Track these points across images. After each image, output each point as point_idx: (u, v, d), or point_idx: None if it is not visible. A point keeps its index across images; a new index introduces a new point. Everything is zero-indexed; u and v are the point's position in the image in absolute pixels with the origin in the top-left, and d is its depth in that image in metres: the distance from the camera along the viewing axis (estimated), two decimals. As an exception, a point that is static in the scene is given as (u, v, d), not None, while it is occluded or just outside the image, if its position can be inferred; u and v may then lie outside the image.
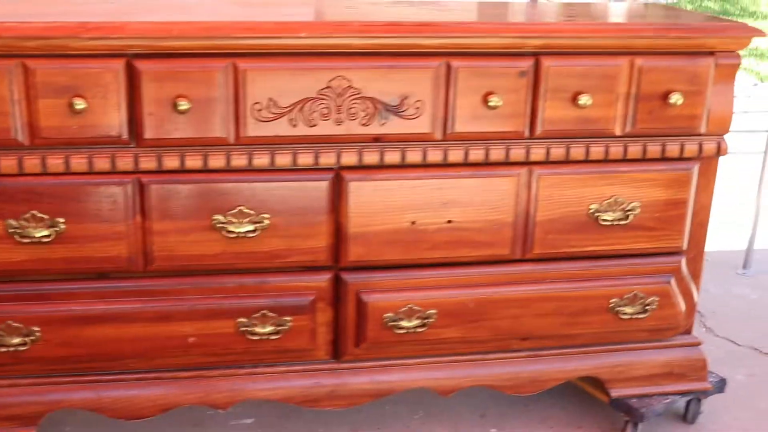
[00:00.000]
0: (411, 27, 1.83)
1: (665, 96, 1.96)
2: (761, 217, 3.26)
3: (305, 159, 1.86)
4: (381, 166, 1.91)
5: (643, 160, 2.02)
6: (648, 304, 2.11)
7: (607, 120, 1.96)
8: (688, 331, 2.22)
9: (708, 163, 2.07)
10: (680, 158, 2.04)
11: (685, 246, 2.12)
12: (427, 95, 1.86)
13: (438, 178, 1.94)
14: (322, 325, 2.00)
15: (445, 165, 1.93)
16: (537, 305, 2.07)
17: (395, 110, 1.86)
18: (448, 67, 1.86)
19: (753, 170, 3.68)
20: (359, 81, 1.83)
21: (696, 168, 2.06)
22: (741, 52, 2.01)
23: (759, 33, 1.98)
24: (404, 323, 2.00)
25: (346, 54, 1.82)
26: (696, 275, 2.17)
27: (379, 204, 1.93)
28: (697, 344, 2.23)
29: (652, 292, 2.11)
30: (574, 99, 1.92)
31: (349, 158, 1.88)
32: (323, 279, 1.97)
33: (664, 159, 2.03)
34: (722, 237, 3.53)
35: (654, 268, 2.11)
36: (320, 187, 1.90)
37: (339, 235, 1.94)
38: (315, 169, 1.89)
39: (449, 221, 1.97)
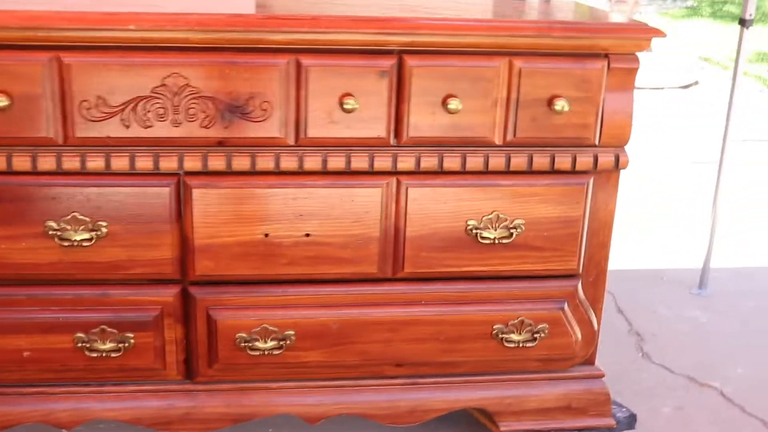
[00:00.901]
0: (255, 20, 1.66)
1: (550, 102, 1.76)
2: (717, 232, 3.02)
3: (144, 163, 1.71)
4: (228, 173, 1.74)
5: (529, 172, 1.82)
6: (537, 332, 1.91)
7: (483, 127, 1.77)
8: (589, 362, 2.02)
9: (606, 177, 1.86)
10: (572, 172, 1.84)
11: (580, 269, 1.92)
12: (275, 96, 1.69)
13: (292, 187, 1.76)
14: (172, 343, 1.84)
15: (300, 173, 1.76)
16: (410, 329, 1.88)
17: (240, 112, 1.69)
18: (298, 65, 1.69)
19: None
20: (197, 79, 1.67)
21: (590, 182, 1.85)
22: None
23: (658, 33, 1.76)
24: (259, 344, 1.84)
25: (181, 49, 1.66)
26: (596, 301, 1.96)
27: (228, 214, 1.76)
28: (600, 376, 2.02)
29: (542, 319, 1.91)
30: (444, 103, 1.73)
31: (193, 163, 1.72)
32: (169, 293, 1.81)
33: (553, 172, 1.83)
34: (682, 253, 3.31)
35: (543, 293, 1.91)
36: (162, 193, 1.74)
37: (185, 246, 1.78)
38: (155, 174, 1.73)
39: (307, 234, 1.79)
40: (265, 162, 1.74)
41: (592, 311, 1.96)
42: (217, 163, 1.73)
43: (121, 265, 1.77)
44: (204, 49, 1.66)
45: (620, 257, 3.29)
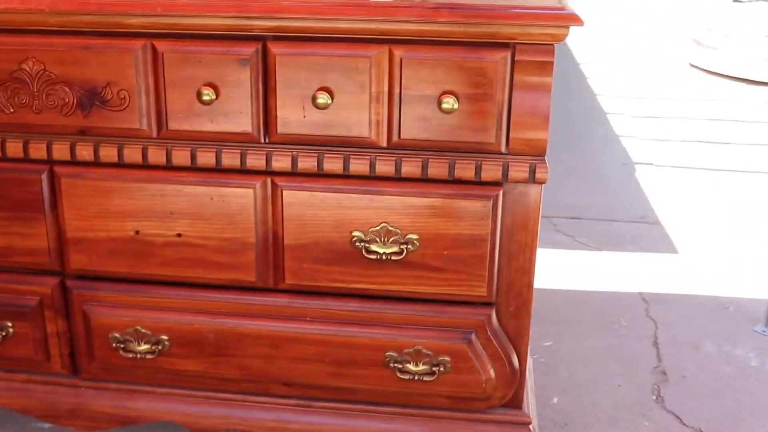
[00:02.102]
0: (107, 2, 1.53)
1: (440, 99, 1.49)
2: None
3: (14, 148, 1.65)
4: (96, 164, 1.64)
5: (423, 181, 1.57)
6: (437, 365, 1.66)
7: (361, 126, 1.54)
8: (514, 405, 1.73)
9: (523, 192, 1.57)
10: (476, 183, 1.56)
11: (493, 297, 1.63)
12: (131, 84, 1.57)
13: (159, 182, 1.63)
14: (54, 336, 1.78)
15: (167, 168, 1.62)
16: (294, 347, 1.69)
17: (98, 100, 1.59)
18: (154, 51, 1.55)
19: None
20: (54, 64, 1.58)
21: (500, 197, 1.56)
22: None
23: (576, 20, 1.44)
24: (133, 346, 1.73)
25: (37, 32, 1.57)
26: (520, 335, 1.67)
27: (98, 207, 1.67)
28: (525, 423, 1.72)
29: (443, 351, 1.65)
30: (314, 97, 1.52)
31: (61, 152, 1.64)
32: (48, 285, 1.75)
33: (453, 182, 1.57)
34: (757, 282, 2.81)
35: (445, 321, 1.64)
36: (34, 181, 1.67)
37: (61, 238, 1.70)
38: (27, 161, 1.67)
39: (179, 235, 1.66)
40: (133, 154, 1.62)
41: (511, 347, 1.67)
42: (84, 152, 1.63)
43: (1, 252, 1.73)
44: (60, 32, 1.57)
45: (685, 280, 2.88)
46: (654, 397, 2.25)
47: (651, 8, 8.98)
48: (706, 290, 2.85)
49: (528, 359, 1.83)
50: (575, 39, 7.31)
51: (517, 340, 1.67)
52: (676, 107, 5.27)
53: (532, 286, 1.64)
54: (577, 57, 6.71)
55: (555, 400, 2.24)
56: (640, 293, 2.83)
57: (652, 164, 4.14)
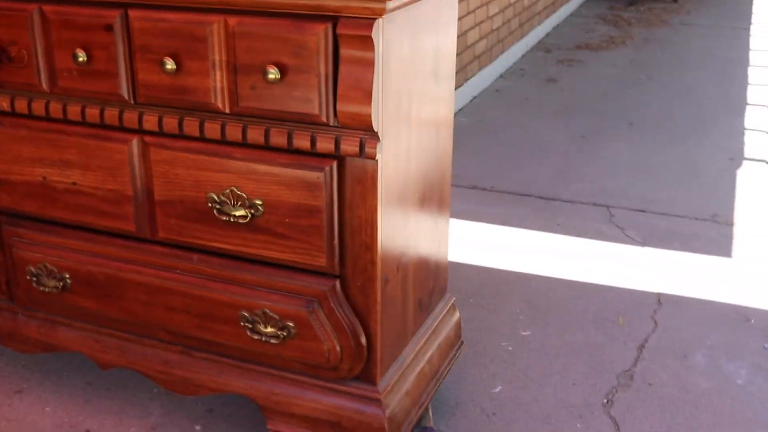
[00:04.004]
0: (5, -32, 1.71)
1: (265, 70, 1.53)
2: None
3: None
4: (11, 114, 1.84)
5: (265, 148, 1.61)
6: (283, 329, 1.70)
7: (205, 92, 1.61)
8: (368, 380, 1.73)
9: (361, 167, 1.56)
10: (310, 154, 1.58)
11: (336, 269, 1.64)
12: (28, 43, 1.74)
13: (56, 133, 1.80)
14: (-8, 264, 2.02)
15: (59, 120, 1.78)
16: (166, 297, 1.81)
17: (6, 57, 1.77)
18: (43, 15, 1.70)
19: None
20: (-29, 22, 1.78)
21: (333, 169, 1.57)
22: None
23: (388, -5, 1.41)
24: (44, 281, 1.93)
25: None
26: (368, 311, 1.67)
27: (15, 153, 1.86)
28: (375, 399, 1.72)
29: (287, 316, 1.69)
30: (163, 63, 1.61)
31: (-15, 99, 1.85)
32: (-17, 218, 1.98)
33: (291, 152, 1.60)
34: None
35: (291, 286, 1.68)
36: (-30, 125, 1.90)
37: (-8, 177, 1.93)
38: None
39: (74, 183, 1.82)
40: (37, 108, 1.79)
41: (358, 322, 1.67)
42: (3, 103, 1.83)
43: (-48, 187, 1.98)
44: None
45: (717, 285, 2.66)
46: (604, 401, 2.13)
47: None
48: (734, 299, 2.60)
49: (417, 339, 1.83)
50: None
51: (366, 315, 1.67)
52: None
53: (375, 263, 1.63)
54: (753, 44, 6.14)
55: (498, 389, 2.19)
56: (658, 293, 2.64)
57: (764, 161, 3.77)
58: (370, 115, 1.49)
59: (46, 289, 1.93)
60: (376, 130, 1.51)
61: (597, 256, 2.89)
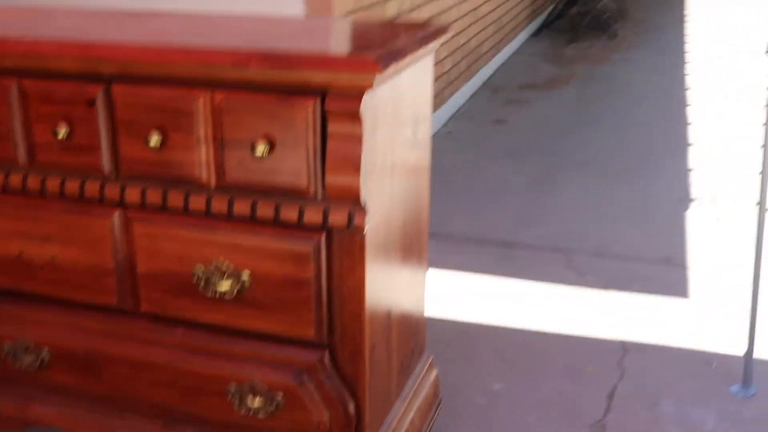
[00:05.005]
0: (-18, 43, 1.69)
1: (253, 145, 1.54)
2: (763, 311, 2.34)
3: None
4: (-14, 188, 1.81)
5: (252, 221, 1.62)
6: (271, 402, 1.69)
7: (191, 166, 1.61)
8: (354, 449, 1.73)
9: (349, 239, 1.58)
10: (298, 226, 1.59)
11: (324, 339, 1.65)
12: (6, 117, 1.72)
13: (34, 209, 1.77)
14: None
15: (37, 194, 1.76)
16: (151, 371, 1.79)
17: (-20, 130, 1.75)
18: (21, 89, 1.69)
19: None
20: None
21: (321, 241, 1.58)
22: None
23: (376, 68, 1.44)
24: (21, 356, 1.88)
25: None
26: (356, 379, 1.67)
27: (-11, 227, 1.83)
28: (364, 468, 1.73)
29: (276, 387, 1.69)
30: (147, 138, 1.60)
31: (-41, 174, 1.82)
32: (-42, 293, 1.93)
33: (278, 224, 1.60)
34: (760, 338, 2.60)
35: (279, 358, 1.68)
36: (-59, 200, 1.86)
37: (-35, 251, 1.89)
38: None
39: (53, 257, 1.79)
40: (13, 182, 1.77)
41: (347, 392, 1.68)
42: (-22, 174, 1.80)
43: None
44: (-51, 68, 1.74)
45: (678, 329, 2.73)
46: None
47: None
48: (695, 343, 2.67)
49: (399, 405, 1.83)
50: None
51: (354, 384, 1.68)
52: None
53: (363, 332, 1.64)
54: (689, 82, 6.36)
55: (466, 442, 2.20)
56: (621, 341, 2.70)
57: (709, 202, 3.90)
58: (359, 188, 1.52)
59: (23, 365, 1.89)
60: (364, 201, 1.53)
61: (560, 303, 2.94)
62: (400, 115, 1.69)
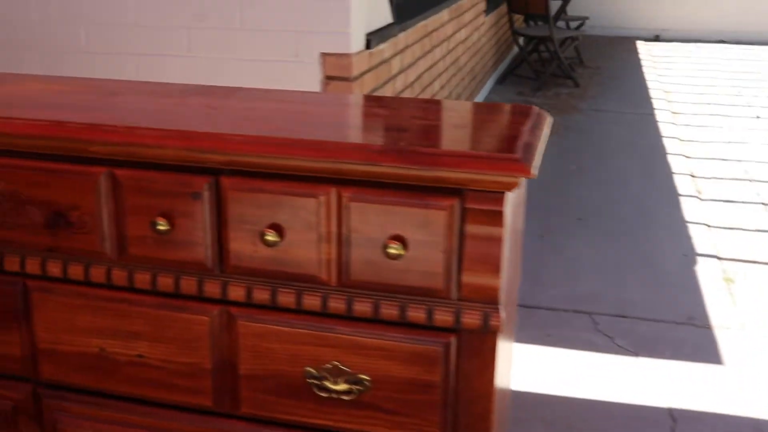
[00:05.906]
0: (73, 128, 1.57)
1: (386, 244, 1.46)
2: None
3: (-9, 261, 1.70)
4: (64, 280, 1.67)
5: (374, 322, 1.53)
6: None
7: (310, 265, 1.51)
8: None
9: (479, 340, 1.50)
10: (427, 327, 1.51)
11: (448, 443, 1.56)
12: (93, 208, 1.59)
13: (123, 303, 1.65)
14: (28, 442, 1.81)
15: (130, 289, 1.64)
16: (247, 476, 1.67)
17: (64, 222, 1.62)
18: (114, 179, 1.57)
19: None
20: (24, 185, 1.62)
21: (452, 343, 1.50)
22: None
23: (525, 171, 1.38)
24: (95, 460, 1.74)
25: (8, 154, 1.62)
26: (480, 484, 1.59)
27: (66, 322, 1.69)
28: None
29: (394, 495, 1.59)
30: (263, 234, 1.50)
31: (32, 267, 1.68)
32: (21, 391, 1.78)
33: (404, 325, 1.52)
34: None
35: (397, 465, 1.58)
36: (8, 293, 1.72)
37: (33, 347, 1.74)
38: (3, 273, 1.71)
39: (140, 355, 1.67)
40: (97, 273, 1.64)
41: (471, 496, 1.59)
42: (54, 269, 1.67)
43: (-19, 357, 1.78)
44: (31, 155, 1.61)
45: (724, 396, 2.71)
46: None
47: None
48: (741, 410, 2.66)
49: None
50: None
51: (478, 489, 1.59)
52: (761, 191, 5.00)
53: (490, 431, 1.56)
54: (663, 130, 6.48)
55: None
56: (669, 409, 2.67)
57: (715, 256, 3.93)
58: (498, 289, 1.45)
59: (98, 470, 1.74)
60: (501, 302, 1.46)
61: (597, 370, 2.91)
62: (519, 207, 1.64)
